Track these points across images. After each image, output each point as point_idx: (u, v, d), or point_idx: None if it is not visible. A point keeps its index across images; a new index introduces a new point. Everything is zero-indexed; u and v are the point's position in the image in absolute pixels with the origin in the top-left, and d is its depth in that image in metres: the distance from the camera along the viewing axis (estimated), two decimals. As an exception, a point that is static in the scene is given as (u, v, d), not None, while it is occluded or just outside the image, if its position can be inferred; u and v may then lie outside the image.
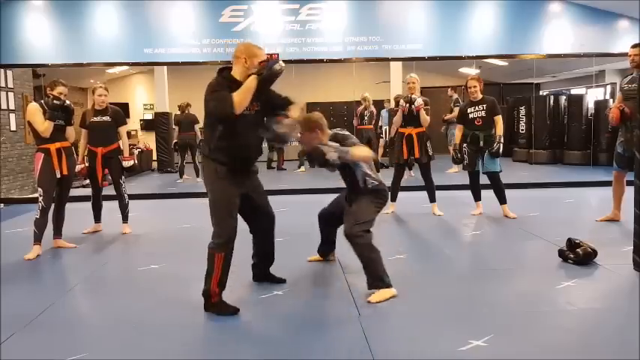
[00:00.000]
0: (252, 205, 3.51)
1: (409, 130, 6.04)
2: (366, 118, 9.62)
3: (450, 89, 10.66)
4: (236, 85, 3.24)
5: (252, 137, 3.38)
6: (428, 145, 6.07)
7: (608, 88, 12.56)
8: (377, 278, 3.46)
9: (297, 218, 6.16)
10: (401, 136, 6.10)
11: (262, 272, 3.80)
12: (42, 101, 4.82)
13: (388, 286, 3.46)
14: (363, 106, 9.63)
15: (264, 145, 3.60)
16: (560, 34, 8.33)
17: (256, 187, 3.57)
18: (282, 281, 3.79)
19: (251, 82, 3.21)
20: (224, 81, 3.28)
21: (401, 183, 6.33)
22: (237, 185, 3.34)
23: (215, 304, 3.28)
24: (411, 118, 6.01)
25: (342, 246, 3.88)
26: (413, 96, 5.97)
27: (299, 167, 11.15)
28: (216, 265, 3.27)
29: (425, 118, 5.99)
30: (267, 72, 3.23)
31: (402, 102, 6.12)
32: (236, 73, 3.32)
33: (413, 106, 5.94)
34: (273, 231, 3.72)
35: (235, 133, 3.25)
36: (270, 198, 3.64)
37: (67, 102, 4.87)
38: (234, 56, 3.33)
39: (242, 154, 3.36)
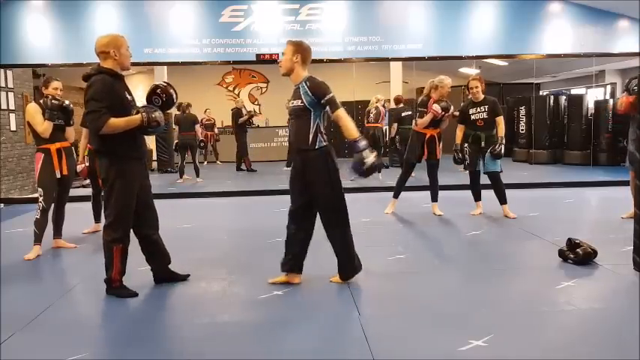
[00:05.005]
0: (139, 201, 3.57)
1: (430, 132, 6.01)
2: (372, 115, 9.93)
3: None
4: (119, 79, 3.42)
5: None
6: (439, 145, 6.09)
7: (608, 88, 12.56)
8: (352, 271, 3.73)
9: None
10: (422, 137, 6.04)
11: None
12: (41, 101, 4.77)
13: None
14: (374, 105, 10.06)
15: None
16: (560, 34, 8.33)
17: (146, 185, 3.67)
18: (185, 277, 3.87)
19: (134, 121, 3.39)
20: (112, 82, 3.37)
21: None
22: (136, 181, 3.49)
23: (117, 288, 3.53)
24: (436, 121, 5.99)
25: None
26: (448, 104, 5.90)
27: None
28: (115, 257, 3.47)
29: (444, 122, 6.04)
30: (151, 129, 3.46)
31: (436, 107, 5.86)
32: (108, 66, 3.44)
33: (447, 113, 5.90)
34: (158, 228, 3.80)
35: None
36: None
37: (67, 102, 4.85)
38: (100, 52, 3.42)
39: (141, 149, 3.58)
